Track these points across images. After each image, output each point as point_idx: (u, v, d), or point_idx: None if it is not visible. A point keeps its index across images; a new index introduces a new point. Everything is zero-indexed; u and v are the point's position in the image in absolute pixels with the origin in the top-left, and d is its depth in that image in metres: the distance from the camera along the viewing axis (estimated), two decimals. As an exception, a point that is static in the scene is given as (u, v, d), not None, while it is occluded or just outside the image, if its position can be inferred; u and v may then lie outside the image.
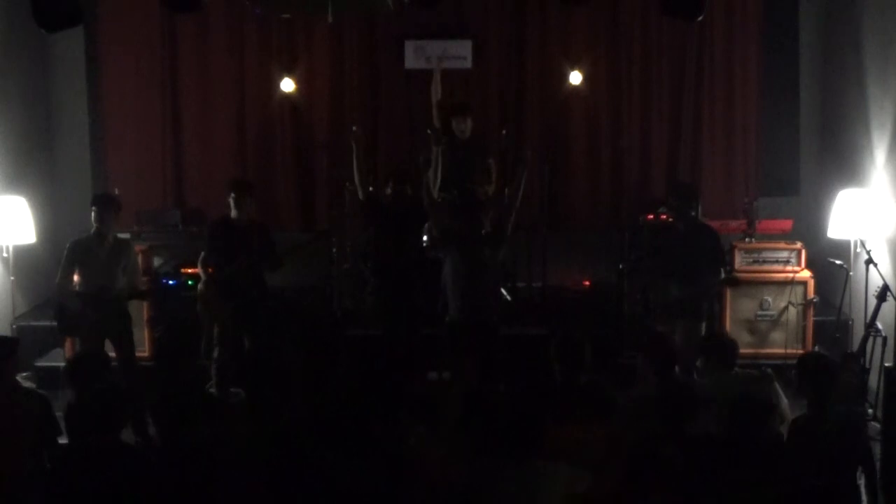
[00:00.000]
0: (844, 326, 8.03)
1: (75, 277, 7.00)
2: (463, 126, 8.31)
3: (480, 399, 5.04)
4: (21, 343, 6.04)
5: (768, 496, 4.55)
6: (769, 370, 6.07)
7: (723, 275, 7.29)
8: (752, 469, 4.65)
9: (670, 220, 8.13)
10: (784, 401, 5.76)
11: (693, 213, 7.14)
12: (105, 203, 6.99)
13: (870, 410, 7.10)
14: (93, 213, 6.90)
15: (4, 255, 8.18)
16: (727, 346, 5.92)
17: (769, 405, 4.99)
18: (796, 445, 4.95)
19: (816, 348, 8.07)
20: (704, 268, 7.02)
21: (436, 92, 8.67)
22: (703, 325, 7.05)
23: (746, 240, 8.23)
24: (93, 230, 6.94)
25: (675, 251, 7.03)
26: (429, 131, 7.97)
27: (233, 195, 7.19)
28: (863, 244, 7.59)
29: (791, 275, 8.09)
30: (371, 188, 8.71)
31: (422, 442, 4.94)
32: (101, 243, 6.93)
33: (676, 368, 5.83)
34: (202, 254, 7.38)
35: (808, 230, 8.69)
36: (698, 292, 7.00)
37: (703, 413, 5.32)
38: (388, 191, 7.35)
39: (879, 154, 7.83)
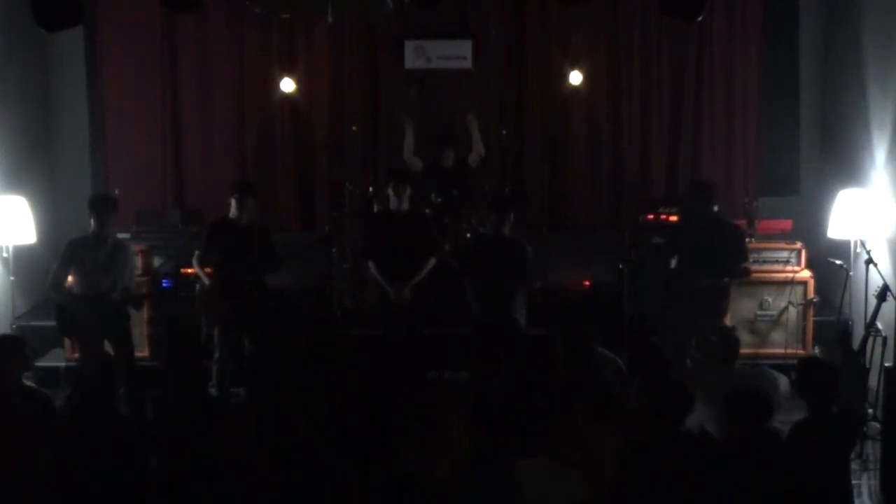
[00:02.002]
0: (848, 332, 8.00)
1: (70, 278, 7.00)
2: (445, 155, 8.46)
3: (480, 399, 5.04)
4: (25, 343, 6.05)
5: (764, 495, 4.57)
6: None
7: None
8: (749, 468, 4.65)
9: (672, 219, 8.19)
10: (782, 385, 5.77)
11: (714, 210, 7.22)
12: (103, 205, 6.97)
13: (870, 410, 7.10)
14: (91, 217, 6.89)
15: (4, 255, 8.17)
16: (728, 341, 5.94)
17: (769, 404, 4.99)
18: (796, 448, 4.94)
19: (816, 348, 8.08)
20: (727, 263, 7.13)
21: (408, 145, 8.68)
22: (724, 321, 7.13)
23: (746, 240, 8.21)
24: (91, 231, 6.94)
25: (697, 247, 7.08)
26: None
27: (236, 196, 7.18)
28: (863, 244, 7.59)
29: (791, 275, 8.09)
30: (371, 188, 8.76)
31: (420, 442, 4.94)
32: (101, 244, 6.93)
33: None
34: (196, 252, 7.37)
35: (808, 230, 8.68)
36: (720, 287, 7.10)
37: (702, 410, 5.34)
38: (389, 191, 7.36)
39: (879, 154, 7.83)
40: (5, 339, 5.97)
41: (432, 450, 4.87)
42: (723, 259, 7.11)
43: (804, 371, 5.22)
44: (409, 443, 4.91)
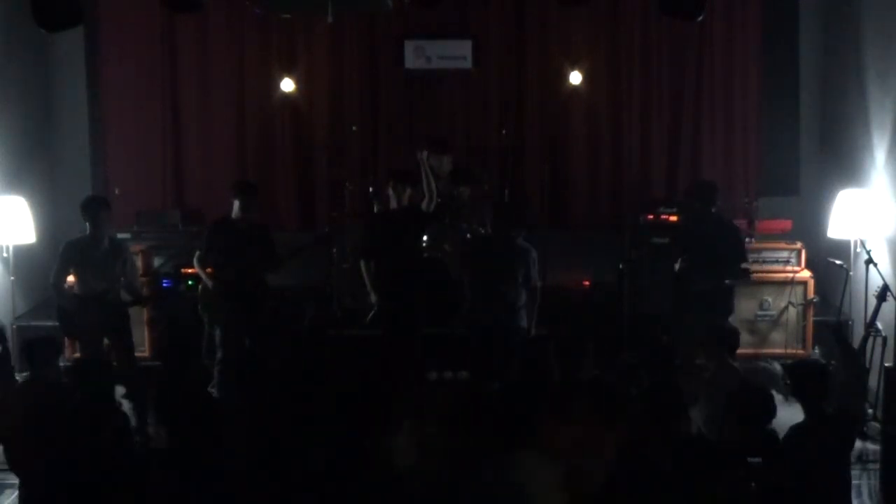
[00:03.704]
0: (844, 326, 8.02)
1: (70, 279, 7.00)
2: (439, 162, 8.29)
3: (475, 397, 5.05)
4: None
5: (762, 497, 4.57)
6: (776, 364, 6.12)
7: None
8: (743, 470, 4.66)
9: (672, 219, 8.20)
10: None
11: (714, 211, 7.27)
12: (95, 208, 6.96)
13: (870, 410, 7.10)
14: (86, 221, 6.90)
15: (4, 255, 8.18)
16: (729, 336, 5.96)
17: (771, 404, 4.99)
18: (794, 450, 4.93)
19: (816, 349, 8.09)
20: (730, 263, 7.20)
21: (428, 184, 8.58)
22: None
23: (746, 240, 8.21)
24: (88, 233, 6.94)
25: (701, 250, 7.13)
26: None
27: (241, 199, 7.15)
28: (863, 244, 7.59)
29: (791, 275, 8.10)
30: (371, 188, 8.76)
31: (418, 442, 4.94)
32: (98, 245, 6.93)
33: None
34: (197, 252, 7.37)
35: (808, 230, 8.68)
36: (726, 287, 7.16)
37: (703, 408, 5.34)
38: (389, 191, 7.36)
39: (879, 154, 7.83)
40: (42, 339, 6.13)
41: (430, 450, 4.86)
42: (724, 261, 7.17)
43: (797, 375, 5.22)
44: (407, 443, 4.90)
